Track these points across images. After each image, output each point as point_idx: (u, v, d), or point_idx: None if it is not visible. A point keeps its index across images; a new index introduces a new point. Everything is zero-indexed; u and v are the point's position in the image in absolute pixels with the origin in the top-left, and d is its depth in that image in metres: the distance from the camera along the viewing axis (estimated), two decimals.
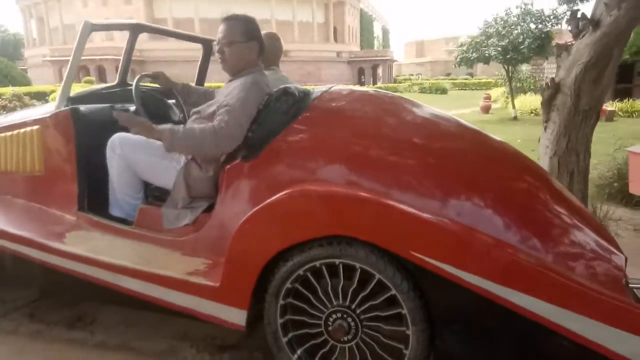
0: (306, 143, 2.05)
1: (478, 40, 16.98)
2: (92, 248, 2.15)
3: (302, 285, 1.84)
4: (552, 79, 4.47)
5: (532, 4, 16.93)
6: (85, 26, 2.35)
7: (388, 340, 1.75)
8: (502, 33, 16.74)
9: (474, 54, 17.05)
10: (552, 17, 16.68)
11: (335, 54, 47.24)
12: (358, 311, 1.77)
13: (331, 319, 1.80)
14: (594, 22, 4.01)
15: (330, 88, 2.34)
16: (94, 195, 2.45)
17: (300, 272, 1.80)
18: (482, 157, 2.03)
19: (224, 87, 2.42)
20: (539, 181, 2.02)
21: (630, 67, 18.07)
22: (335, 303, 1.80)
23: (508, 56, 16.58)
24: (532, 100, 18.46)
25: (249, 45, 2.23)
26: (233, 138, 2.07)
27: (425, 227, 1.62)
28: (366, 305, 1.76)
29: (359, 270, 1.73)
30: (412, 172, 1.87)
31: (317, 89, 2.34)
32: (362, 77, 46.67)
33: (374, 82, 45.57)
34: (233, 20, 2.24)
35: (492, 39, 16.81)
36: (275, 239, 1.79)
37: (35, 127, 2.46)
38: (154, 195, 2.43)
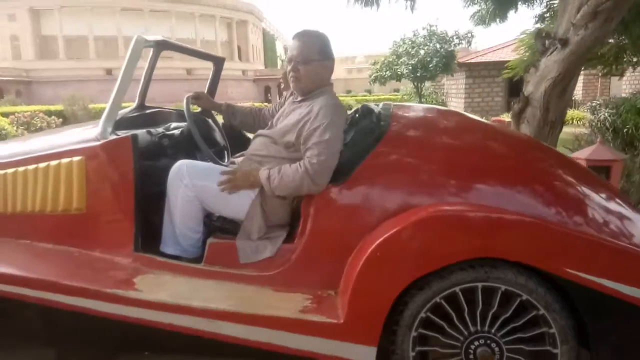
0: (407, 162, 2.01)
1: (390, 59, 17.87)
2: (174, 293, 1.89)
3: (434, 313, 1.76)
4: (522, 93, 4.81)
5: (436, 26, 18.19)
6: (137, 43, 2.09)
7: None
8: (411, 53, 17.75)
9: (387, 72, 17.90)
10: (455, 37, 18.05)
11: (240, 72, 46.92)
12: (499, 335, 1.73)
13: (473, 346, 1.74)
14: (563, 41, 4.36)
15: (392, 105, 2.31)
16: (143, 232, 2.16)
17: (438, 299, 1.72)
18: (568, 167, 2.12)
19: (288, 105, 2.28)
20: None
21: (519, 82, 20.03)
22: (473, 329, 1.75)
23: (418, 74, 17.61)
24: None
25: (324, 63, 2.15)
26: (329, 169, 1.98)
27: (581, 244, 1.63)
28: (508, 328, 1.73)
29: (499, 293, 1.70)
30: (530, 188, 1.89)
31: (380, 105, 2.30)
32: (269, 94, 46.77)
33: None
34: (309, 37, 2.15)
35: (402, 58, 17.76)
36: (412, 266, 1.70)
37: (77, 157, 2.12)
38: (215, 227, 2.21)
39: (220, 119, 2.77)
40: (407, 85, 20.77)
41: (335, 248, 1.98)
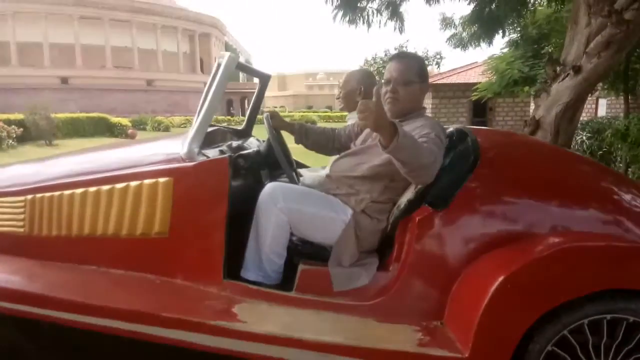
0: (505, 188, 1.99)
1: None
2: (282, 325, 1.78)
3: (559, 346, 1.73)
4: (533, 117, 4.97)
5: (406, 47, 18.62)
6: (231, 61, 1.99)
7: None
8: (383, 72, 18.05)
9: None
10: (425, 58, 18.54)
11: (202, 84, 46.26)
12: None
13: None
14: (576, 68, 4.54)
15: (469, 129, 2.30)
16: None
17: (566, 331, 1.69)
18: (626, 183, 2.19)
19: None
20: None
21: (484, 104, 20.76)
22: None
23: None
24: None
25: (422, 86, 2.12)
26: (437, 167, 1.83)
27: None
28: (630, 358, 1.72)
29: (624, 324, 1.69)
30: (618, 210, 1.94)
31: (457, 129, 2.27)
32: (231, 108, 46.40)
33: (243, 114, 45.51)
34: (409, 59, 2.13)
35: (376, 77, 18.05)
36: (544, 298, 1.67)
37: (164, 178, 1.97)
38: (298, 252, 2.11)
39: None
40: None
41: (437, 276, 1.94)
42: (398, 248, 2.03)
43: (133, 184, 2.01)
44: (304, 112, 46.04)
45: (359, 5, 8.18)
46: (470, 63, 20.76)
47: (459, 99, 19.19)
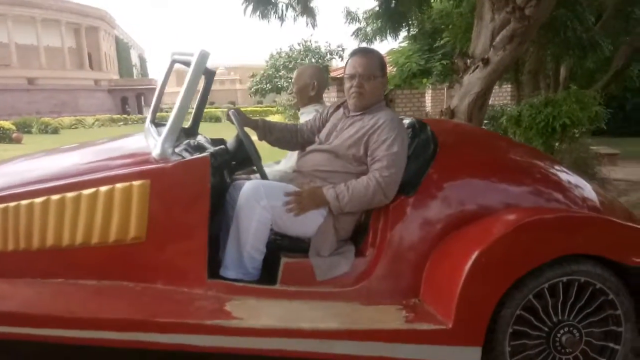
0: (464, 171, 2.19)
1: (269, 72, 18.11)
2: (277, 317, 1.81)
3: (525, 309, 1.94)
4: (449, 107, 5.38)
5: (310, 42, 18.92)
6: (203, 56, 1.96)
7: (600, 342, 2.00)
8: (290, 67, 18.19)
9: (267, 85, 18.09)
10: (328, 53, 18.96)
11: (92, 82, 43.29)
12: (576, 321, 1.97)
13: (559, 335, 1.95)
14: (485, 60, 4.97)
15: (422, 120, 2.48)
16: None
17: (531, 296, 1.91)
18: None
19: (339, 119, 2.31)
20: None
21: (384, 96, 21.71)
22: (555, 320, 1.96)
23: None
24: None
25: (383, 80, 2.24)
26: (398, 182, 2.09)
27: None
28: (582, 314, 1.98)
29: (575, 284, 1.95)
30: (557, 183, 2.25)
31: (409, 120, 2.44)
32: (127, 106, 43.89)
33: (139, 112, 43.29)
34: (371, 54, 2.22)
35: (281, 72, 18.11)
36: (514, 268, 1.87)
37: (139, 181, 1.90)
38: (277, 246, 2.15)
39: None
40: (274, 99, 21.27)
41: (411, 257, 2.08)
42: (373, 234, 2.14)
43: (103, 189, 1.91)
44: (207, 108, 44.87)
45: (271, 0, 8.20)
46: None
47: None
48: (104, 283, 1.93)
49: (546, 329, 1.95)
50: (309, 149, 2.33)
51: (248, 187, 2.03)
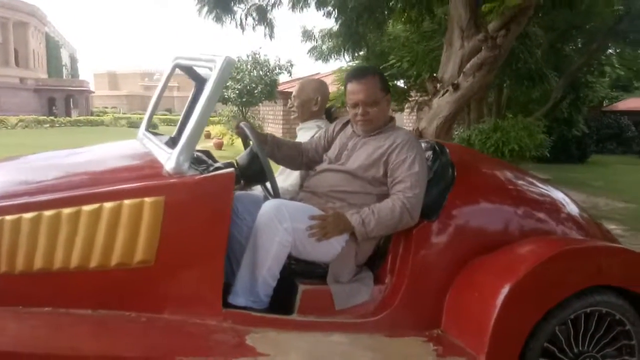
0: (483, 195, 2.16)
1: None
2: (305, 353, 1.66)
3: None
4: (417, 128, 5.46)
5: (259, 54, 18.73)
6: (229, 63, 1.80)
7: None
8: (237, 78, 17.89)
9: None
10: (277, 67, 18.86)
11: (18, 80, 40.49)
12: (595, 351, 1.97)
13: None
14: (455, 85, 5.10)
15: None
16: None
17: (557, 327, 1.88)
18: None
19: (349, 139, 2.20)
20: None
21: (329, 112, 21.91)
22: (577, 351, 1.94)
23: (244, 99, 17.81)
24: None
25: (387, 97, 2.16)
26: (421, 203, 2.01)
27: None
28: (600, 345, 1.98)
29: (596, 315, 1.94)
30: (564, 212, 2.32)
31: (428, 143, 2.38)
32: (54, 107, 41.33)
33: (68, 114, 40.92)
34: (370, 76, 2.10)
35: (229, 83, 17.73)
36: (545, 300, 1.84)
37: (152, 198, 1.67)
38: (291, 271, 1.99)
39: None
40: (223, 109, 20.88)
41: (433, 286, 2.01)
42: (392, 260, 2.04)
43: (108, 205, 1.68)
44: (142, 114, 43.10)
45: (232, 5, 8.04)
46: (314, 73, 21.69)
47: None
48: (99, 313, 1.69)
49: None
50: (320, 168, 2.20)
51: (270, 207, 1.87)
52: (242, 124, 2.18)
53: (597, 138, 19.40)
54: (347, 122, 2.30)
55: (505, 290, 1.79)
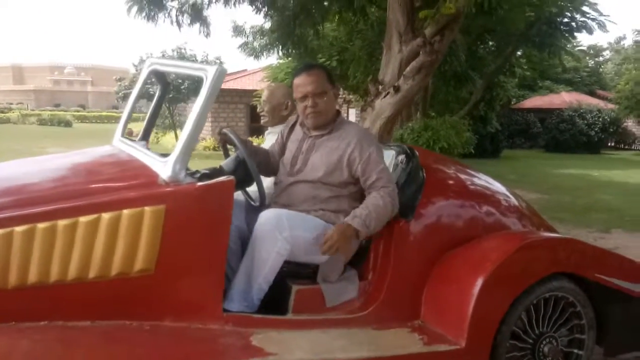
0: (452, 193, 2.36)
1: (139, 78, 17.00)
2: (310, 349, 1.75)
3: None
4: None
5: (185, 49, 18.26)
6: (220, 73, 1.83)
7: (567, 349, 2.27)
8: None
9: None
10: (204, 62, 18.50)
11: None
12: (552, 332, 2.22)
13: (542, 345, 2.16)
14: (396, 87, 5.36)
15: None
16: None
17: (523, 312, 2.11)
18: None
19: (304, 141, 2.22)
20: None
21: (253, 109, 21.81)
22: (538, 332, 2.18)
23: (170, 95, 17.30)
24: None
25: (334, 91, 2.22)
26: (396, 195, 2.11)
27: (604, 255, 2.27)
28: (556, 325, 2.23)
29: (552, 299, 2.19)
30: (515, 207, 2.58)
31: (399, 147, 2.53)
32: None
33: None
34: (316, 69, 2.18)
35: (153, 78, 17.15)
36: (514, 287, 2.06)
37: (152, 206, 1.66)
38: (282, 273, 2.07)
39: None
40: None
41: (413, 280, 2.17)
42: (374, 257, 2.18)
43: (107, 215, 1.65)
44: (53, 110, 40.22)
45: (164, 2, 7.82)
46: (241, 70, 21.47)
47: (237, 104, 19.76)
48: (99, 324, 1.67)
49: (531, 341, 2.16)
50: (284, 181, 2.20)
51: (269, 217, 1.92)
52: (225, 130, 2.19)
53: (508, 134, 20.93)
54: (295, 124, 2.34)
55: (480, 282, 1.99)
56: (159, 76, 2.60)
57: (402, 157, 2.39)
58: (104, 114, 43.14)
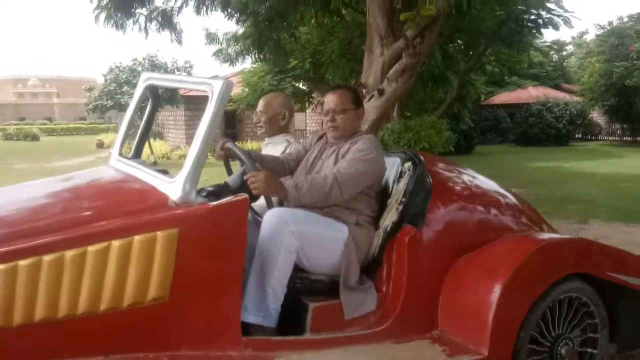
0: (460, 200, 2.34)
1: (111, 88, 16.60)
2: None
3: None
4: None
5: (156, 57, 17.92)
6: (227, 87, 1.75)
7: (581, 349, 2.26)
8: (134, 82, 16.99)
9: (109, 102, 16.56)
10: (175, 69, 18.21)
11: None
12: (568, 332, 2.21)
13: (560, 347, 2.15)
14: (380, 91, 5.35)
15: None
16: None
17: (540, 316, 2.09)
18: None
19: (323, 148, 2.34)
20: None
21: (233, 116, 21.60)
22: (554, 334, 2.16)
23: (143, 104, 16.97)
24: (159, 146, 19.22)
25: (357, 112, 2.33)
26: (357, 186, 2.11)
27: (614, 253, 2.27)
28: (571, 326, 2.22)
29: (567, 300, 2.19)
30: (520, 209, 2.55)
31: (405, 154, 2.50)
32: None
33: None
34: (342, 90, 2.34)
35: (125, 87, 16.78)
36: (532, 292, 2.03)
37: (164, 231, 1.57)
38: (296, 290, 2.00)
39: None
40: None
41: (428, 289, 2.13)
42: (387, 268, 2.13)
43: (117, 243, 1.56)
44: (18, 124, 38.92)
45: (133, 9, 7.64)
46: (213, 75, 21.24)
47: None
48: (113, 358, 1.57)
49: (548, 344, 2.15)
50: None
51: (272, 216, 1.91)
52: (229, 145, 2.13)
53: (480, 130, 21.27)
54: (323, 135, 2.43)
55: (498, 288, 1.96)
56: (152, 90, 2.50)
57: (408, 164, 2.35)
58: (71, 125, 42.09)
